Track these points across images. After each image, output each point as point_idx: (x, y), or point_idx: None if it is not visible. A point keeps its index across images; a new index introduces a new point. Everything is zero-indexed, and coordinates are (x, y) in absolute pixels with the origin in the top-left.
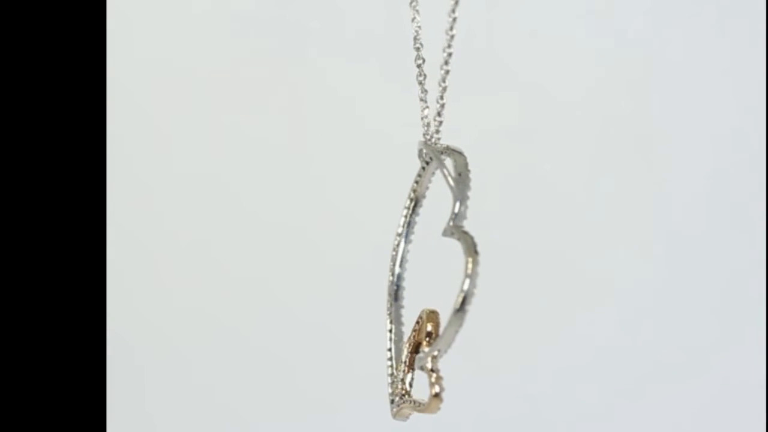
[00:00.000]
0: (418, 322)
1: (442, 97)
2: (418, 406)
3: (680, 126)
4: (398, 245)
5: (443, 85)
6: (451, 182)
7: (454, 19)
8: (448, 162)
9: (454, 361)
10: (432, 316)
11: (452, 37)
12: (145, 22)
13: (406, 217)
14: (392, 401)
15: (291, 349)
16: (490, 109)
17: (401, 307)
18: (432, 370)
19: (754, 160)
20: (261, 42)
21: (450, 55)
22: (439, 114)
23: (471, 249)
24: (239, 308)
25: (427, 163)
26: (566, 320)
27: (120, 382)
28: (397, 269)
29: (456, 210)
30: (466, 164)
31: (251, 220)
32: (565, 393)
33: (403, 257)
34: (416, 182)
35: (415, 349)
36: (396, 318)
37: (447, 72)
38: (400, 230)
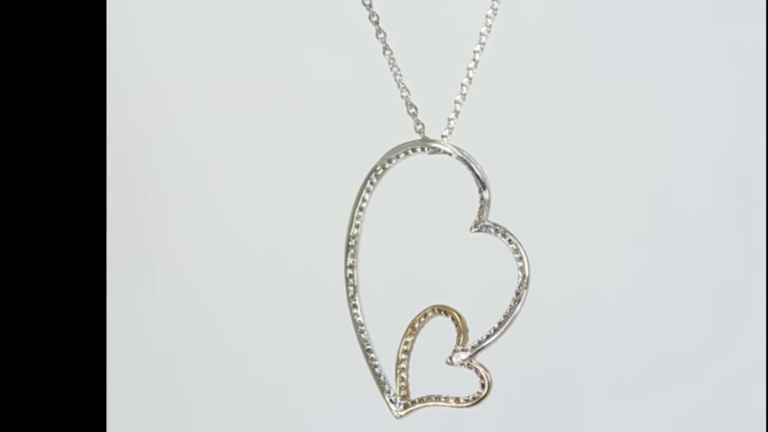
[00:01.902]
0: (420, 321)
1: (464, 97)
2: (462, 402)
3: (680, 124)
4: (356, 245)
5: (467, 85)
6: (485, 179)
7: (490, 25)
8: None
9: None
10: (459, 313)
11: (484, 41)
12: (144, 23)
13: (359, 219)
14: (392, 401)
15: (288, 349)
16: (481, 110)
17: (362, 307)
18: (480, 365)
19: (755, 157)
20: (259, 42)
21: (479, 53)
22: (456, 114)
23: (523, 247)
24: (238, 309)
25: (390, 161)
26: (563, 318)
27: (120, 383)
28: (356, 270)
29: (491, 206)
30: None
31: (249, 220)
32: (562, 391)
33: (357, 256)
34: (371, 183)
35: (410, 347)
36: (364, 318)
37: (473, 69)
38: (354, 231)
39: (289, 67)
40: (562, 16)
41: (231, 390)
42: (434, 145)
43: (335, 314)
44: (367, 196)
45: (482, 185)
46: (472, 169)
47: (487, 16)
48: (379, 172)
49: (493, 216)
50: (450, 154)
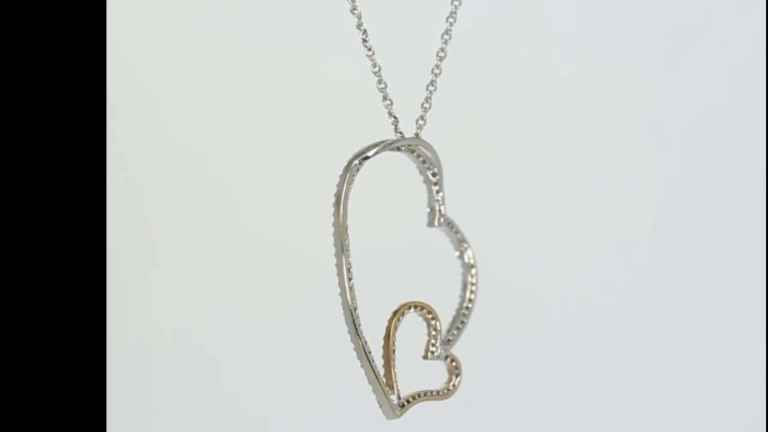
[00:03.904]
0: (400, 318)
1: (431, 97)
2: (440, 394)
3: (678, 119)
4: (349, 248)
5: (435, 82)
6: (444, 174)
7: (451, 24)
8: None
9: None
10: (433, 308)
11: (446, 41)
12: (145, 22)
13: (346, 221)
14: (392, 402)
15: (287, 350)
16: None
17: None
18: (454, 355)
19: (754, 152)
20: (258, 41)
21: (442, 59)
22: (425, 111)
23: (466, 239)
24: (237, 309)
25: (367, 157)
26: (558, 310)
27: (120, 384)
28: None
29: (444, 202)
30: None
31: (248, 220)
32: (559, 381)
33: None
34: (349, 181)
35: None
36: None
37: (438, 72)
38: (345, 235)
39: (274, 66)
40: (539, 11)
41: (231, 390)
42: (405, 142)
43: (324, 315)
44: (350, 195)
45: (437, 181)
46: (427, 163)
47: (450, 14)
48: (353, 171)
49: (464, 213)
50: (418, 155)
